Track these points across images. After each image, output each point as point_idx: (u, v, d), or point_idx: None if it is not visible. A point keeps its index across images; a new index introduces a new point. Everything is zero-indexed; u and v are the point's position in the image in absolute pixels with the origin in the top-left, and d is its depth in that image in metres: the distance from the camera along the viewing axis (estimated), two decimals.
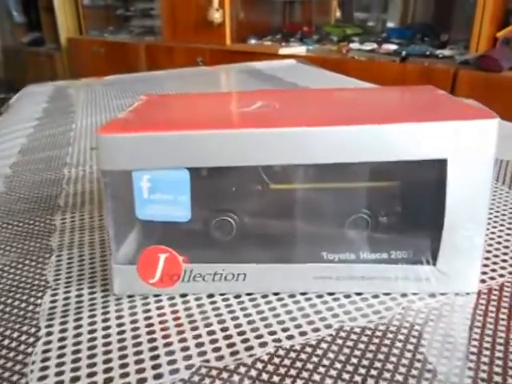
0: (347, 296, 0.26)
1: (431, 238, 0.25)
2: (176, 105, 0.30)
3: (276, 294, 0.26)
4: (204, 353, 0.22)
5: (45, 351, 0.23)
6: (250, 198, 0.26)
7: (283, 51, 1.63)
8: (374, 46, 1.57)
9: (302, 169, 0.25)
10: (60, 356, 0.22)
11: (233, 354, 0.22)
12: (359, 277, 0.25)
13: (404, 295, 0.25)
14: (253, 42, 1.90)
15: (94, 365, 0.22)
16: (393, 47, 1.51)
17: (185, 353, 0.22)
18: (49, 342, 0.23)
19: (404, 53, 1.40)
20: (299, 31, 1.90)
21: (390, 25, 1.76)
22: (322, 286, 0.25)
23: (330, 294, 0.26)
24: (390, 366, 0.21)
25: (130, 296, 0.27)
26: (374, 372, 0.20)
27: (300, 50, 1.68)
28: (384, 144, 0.22)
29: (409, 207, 0.26)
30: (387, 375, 0.20)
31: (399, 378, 0.20)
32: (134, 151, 0.23)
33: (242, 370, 0.21)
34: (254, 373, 0.21)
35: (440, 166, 0.23)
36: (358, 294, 0.26)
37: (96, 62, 2.43)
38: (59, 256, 0.32)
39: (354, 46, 1.62)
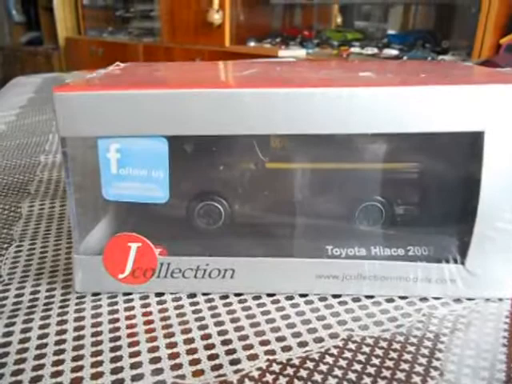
0: (356, 299, 0.21)
1: (459, 232, 0.21)
2: (157, 68, 0.26)
3: (270, 295, 0.22)
4: (179, 366, 0.18)
5: None
6: (241, 178, 0.22)
7: (283, 53, 1.60)
8: (375, 50, 1.55)
9: (304, 144, 0.21)
10: None
11: (215, 368, 0.18)
12: (370, 276, 0.21)
13: (424, 299, 0.21)
14: (252, 44, 1.88)
15: (39, 378, 0.17)
16: (394, 52, 1.49)
17: (154, 365, 0.18)
18: None
19: (405, 58, 1.38)
20: (299, 35, 1.88)
21: (391, 32, 1.74)
22: (326, 286, 0.21)
23: (336, 296, 0.22)
24: None
25: (95, 294, 0.22)
26: None
27: (300, 52, 1.66)
28: (405, 112, 0.18)
29: (431, 194, 0.22)
30: None
31: None
32: (99, 113, 0.19)
33: None
34: None
35: (474, 141, 0.19)
36: (369, 297, 0.21)
37: (94, 62, 2.40)
38: (19, 247, 0.27)
39: (355, 50, 1.59)
